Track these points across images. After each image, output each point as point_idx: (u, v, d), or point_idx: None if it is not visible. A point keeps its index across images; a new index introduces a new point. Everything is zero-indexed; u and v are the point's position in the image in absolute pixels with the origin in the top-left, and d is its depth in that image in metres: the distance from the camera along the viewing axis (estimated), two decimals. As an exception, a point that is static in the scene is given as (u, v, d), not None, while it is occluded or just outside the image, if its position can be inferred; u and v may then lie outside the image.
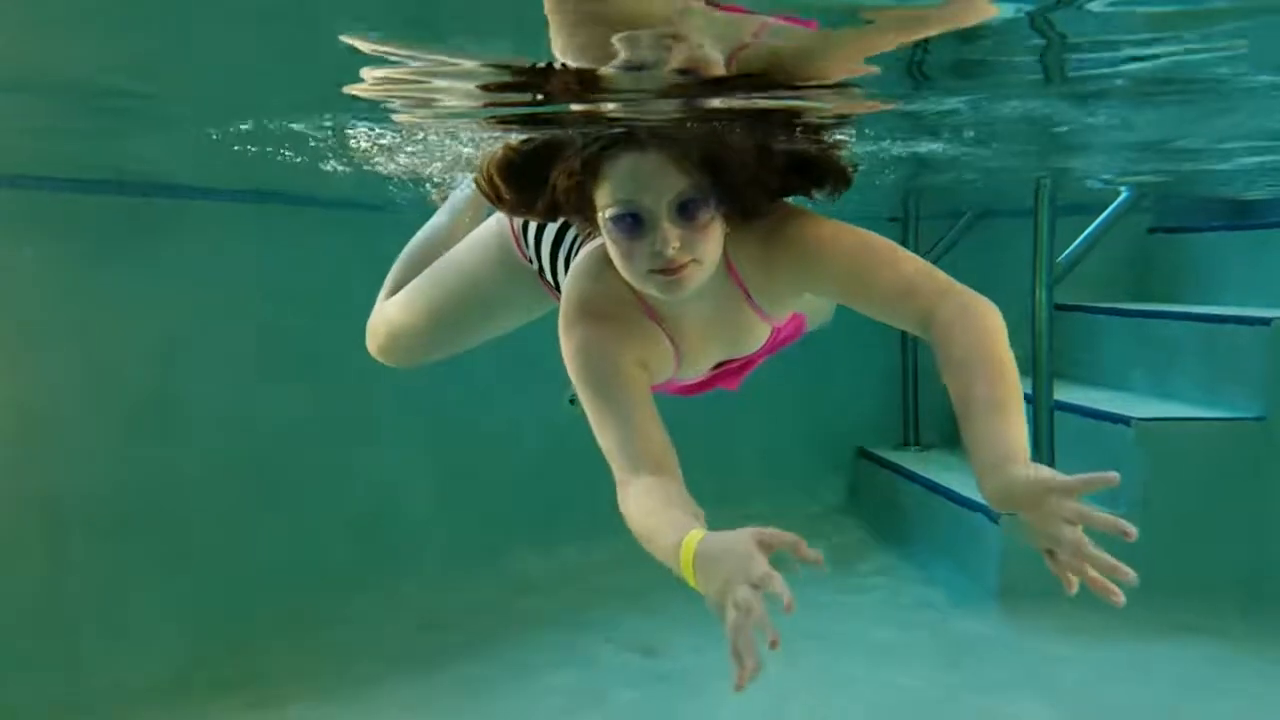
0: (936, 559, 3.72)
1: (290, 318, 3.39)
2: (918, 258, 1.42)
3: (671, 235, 1.31)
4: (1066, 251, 3.46)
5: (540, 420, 3.44)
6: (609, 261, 1.41)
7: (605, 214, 1.34)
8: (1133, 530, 1.12)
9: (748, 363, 1.68)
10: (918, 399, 4.49)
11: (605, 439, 1.35)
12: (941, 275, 1.38)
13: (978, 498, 3.45)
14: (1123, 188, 3.53)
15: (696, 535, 1.12)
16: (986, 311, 1.33)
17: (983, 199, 3.89)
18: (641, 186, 1.31)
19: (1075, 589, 1.19)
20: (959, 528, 3.58)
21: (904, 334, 4.54)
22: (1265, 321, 3.21)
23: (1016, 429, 1.24)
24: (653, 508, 1.23)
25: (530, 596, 3.61)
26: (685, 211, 1.31)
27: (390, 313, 1.90)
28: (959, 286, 1.36)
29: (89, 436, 3.03)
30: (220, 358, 3.29)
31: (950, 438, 4.39)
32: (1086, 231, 3.50)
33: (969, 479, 4.16)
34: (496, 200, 1.46)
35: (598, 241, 1.48)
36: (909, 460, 4.24)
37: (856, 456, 4.58)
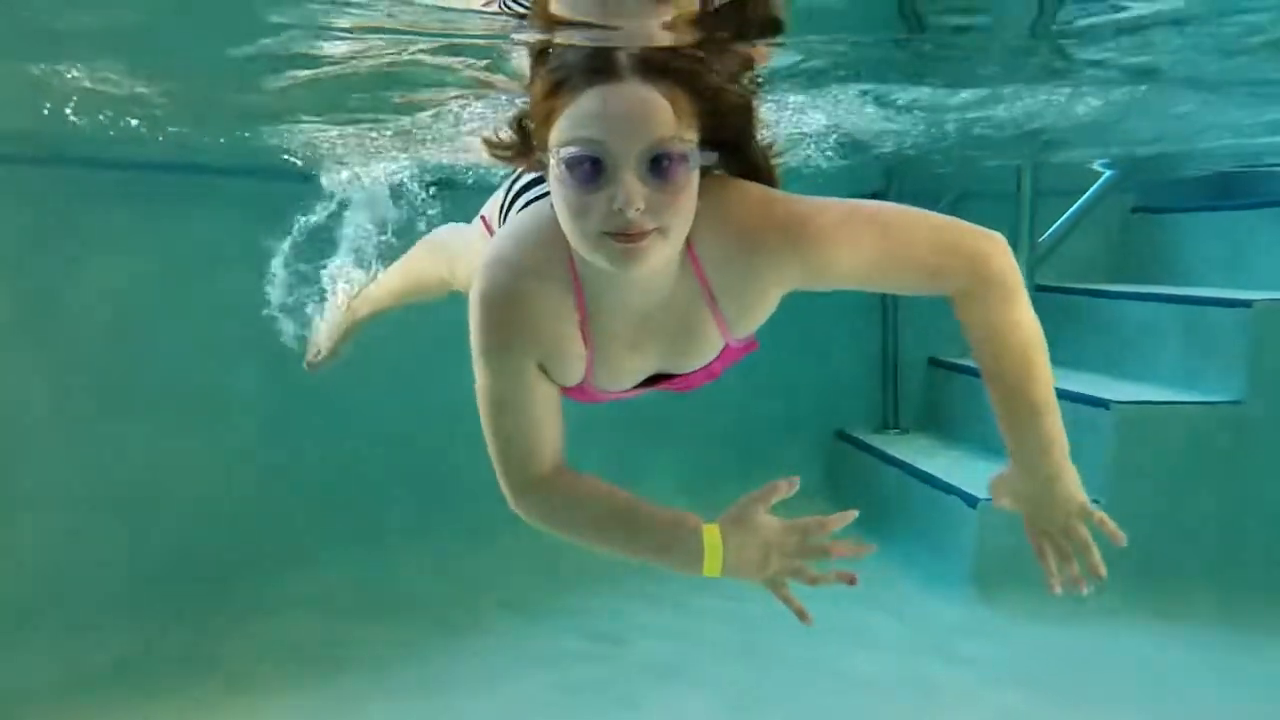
0: (913, 543, 3.70)
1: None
2: (929, 216, 1.22)
3: (636, 192, 1.04)
4: (1048, 233, 3.42)
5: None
6: (550, 223, 1.14)
7: (558, 154, 1.07)
8: (1123, 536, 1.32)
9: (683, 385, 1.36)
10: (898, 381, 4.45)
11: (496, 444, 1.24)
12: (963, 241, 1.21)
13: (955, 481, 3.48)
14: (1104, 168, 3.49)
15: (714, 529, 1.25)
16: (1015, 290, 1.23)
17: (964, 180, 3.84)
18: (609, 125, 1.04)
19: (1059, 589, 1.32)
20: (935, 512, 3.55)
21: (884, 314, 4.50)
22: (1246, 304, 3.19)
23: (1057, 433, 1.29)
24: (614, 505, 1.28)
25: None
26: (659, 165, 1.05)
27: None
28: (982, 250, 1.21)
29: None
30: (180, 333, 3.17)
31: (928, 421, 4.37)
32: (1069, 212, 3.46)
33: (947, 463, 4.13)
34: (495, 147, 1.21)
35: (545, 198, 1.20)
36: (887, 444, 4.20)
37: (834, 439, 4.54)
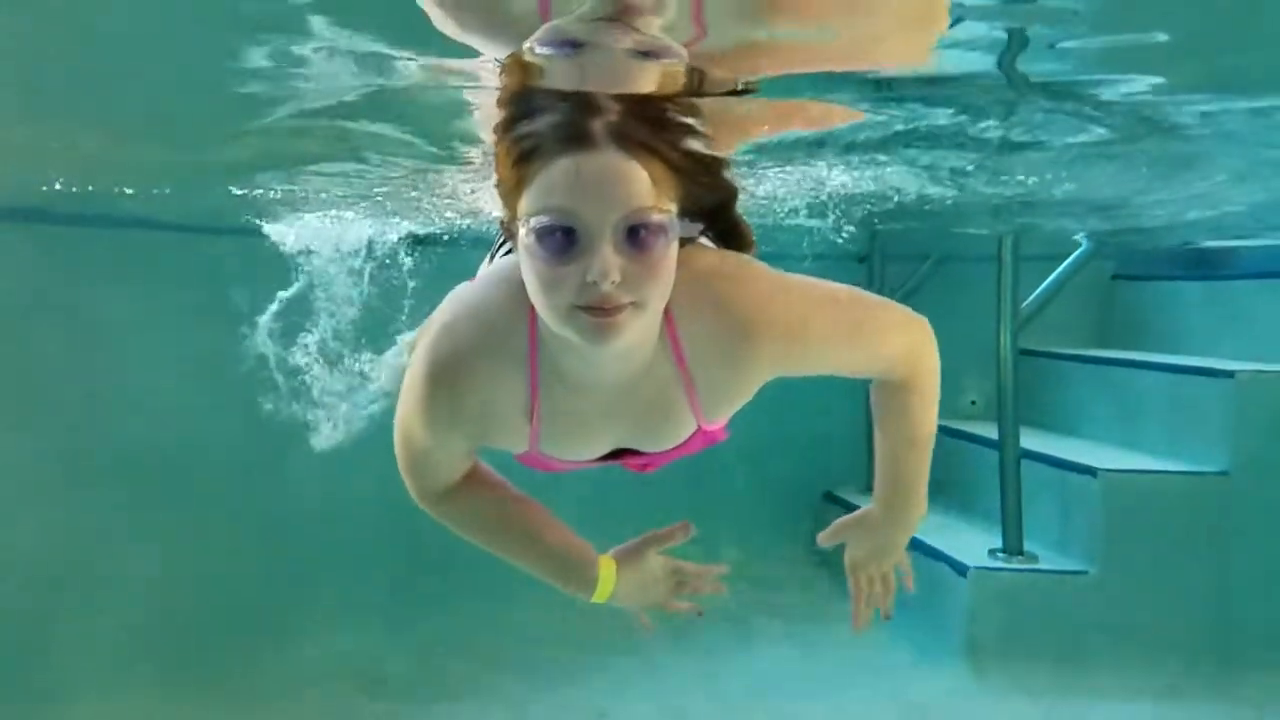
0: (901, 610, 3.61)
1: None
2: (889, 308, 1.26)
3: (612, 264, 0.98)
4: (1031, 297, 3.45)
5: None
6: (516, 286, 1.07)
7: (529, 223, 1.01)
8: (911, 582, 1.57)
9: (645, 464, 1.32)
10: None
11: (401, 464, 1.27)
12: (916, 338, 1.28)
13: (943, 548, 3.42)
14: (1082, 238, 3.55)
15: (610, 564, 1.37)
16: (935, 384, 1.35)
17: (948, 242, 3.90)
18: (583, 193, 0.98)
19: (859, 627, 1.54)
20: (924, 579, 3.47)
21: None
22: (1228, 374, 3.20)
23: (924, 494, 1.45)
24: (518, 525, 1.34)
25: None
26: (636, 236, 0.99)
27: None
28: (929, 350, 1.30)
29: None
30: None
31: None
32: (1049, 279, 3.50)
33: (934, 527, 4.08)
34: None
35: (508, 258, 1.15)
36: (875, 507, 4.15)
37: (823, 500, 4.49)
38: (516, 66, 1.12)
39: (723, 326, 1.12)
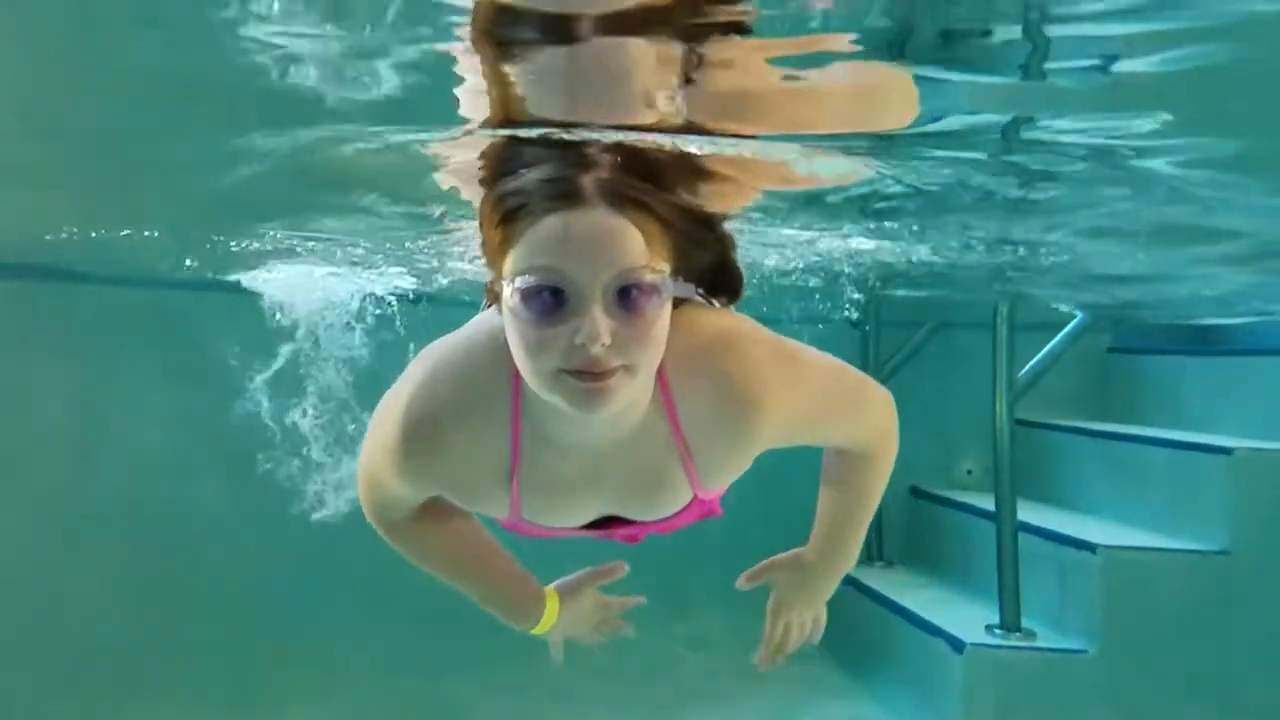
0: (896, 687, 3.52)
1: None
2: (868, 385, 1.28)
3: (602, 326, 0.93)
4: (1027, 367, 3.45)
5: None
6: (502, 341, 1.01)
7: (514, 283, 0.96)
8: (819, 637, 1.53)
9: (634, 534, 1.29)
10: (880, 511, 4.35)
11: (360, 495, 1.26)
12: (886, 413, 1.29)
13: (940, 622, 3.34)
14: (1077, 310, 3.57)
15: (554, 599, 1.41)
16: (895, 454, 1.36)
17: (943, 310, 3.91)
18: (572, 251, 0.94)
19: (763, 665, 1.50)
20: (920, 654, 3.39)
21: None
22: (1226, 451, 3.18)
23: (858, 551, 1.47)
24: (467, 561, 1.35)
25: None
26: (627, 297, 0.95)
27: None
28: (895, 424, 1.31)
29: None
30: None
31: (912, 553, 4.25)
32: (1044, 350, 3.50)
33: (931, 601, 4.00)
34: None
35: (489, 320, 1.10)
36: (871, 577, 4.07)
37: (815, 570, 4.40)
38: (500, 105, 1.08)
39: (723, 395, 1.07)
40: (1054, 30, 0.94)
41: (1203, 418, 3.70)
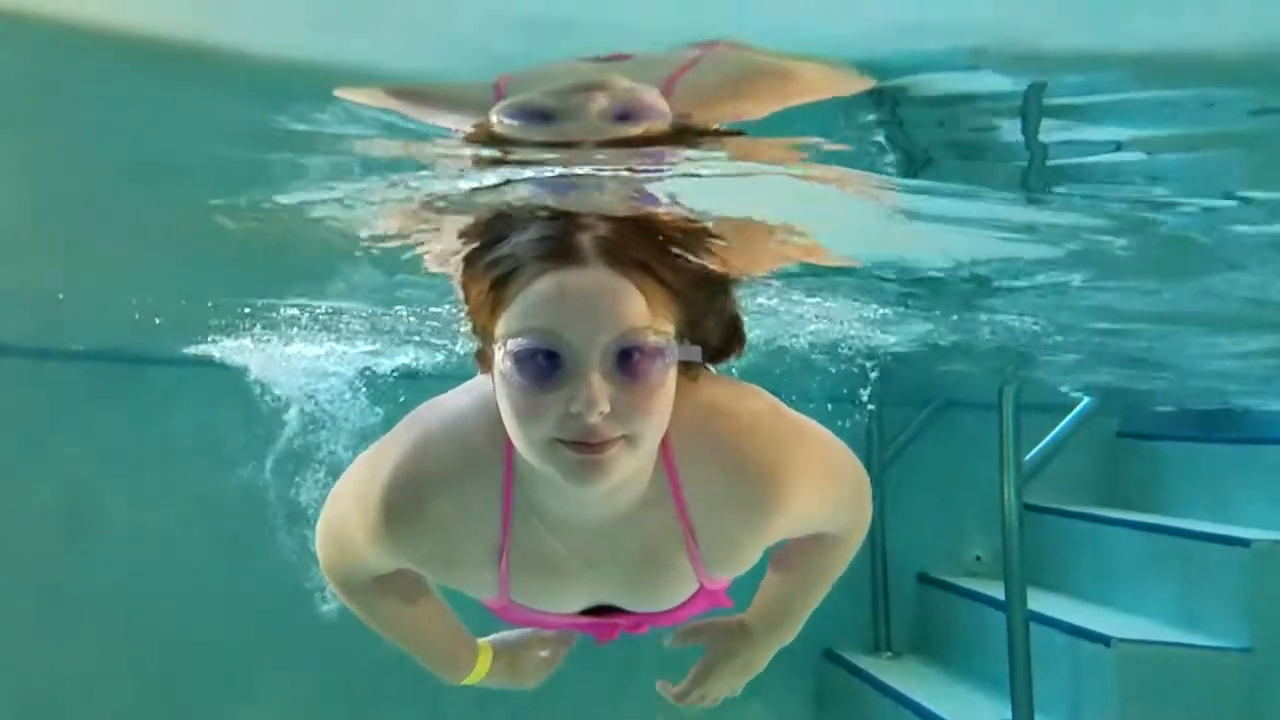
0: (906, 786, 3.34)
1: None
2: (859, 464, 1.23)
3: (600, 392, 0.87)
4: (1035, 450, 3.39)
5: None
6: (490, 408, 0.95)
7: (506, 346, 0.90)
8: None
9: (635, 625, 1.21)
10: (888, 597, 4.23)
11: (318, 552, 1.21)
12: (870, 494, 1.25)
13: (950, 716, 3.19)
14: (1083, 395, 3.53)
15: (486, 656, 1.36)
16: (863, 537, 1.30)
17: (947, 388, 3.89)
18: (568, 312, 0.88)
19: (669, 694, 1.37)
20: (930, 750, 3.23)
21: (871, 529, 4.35)
22: (1244, 543, 3.08)
23: (799, 628, 1.38)
24: (409, 624, 1.29)
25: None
26: (628, 361, 0.88)
27: None
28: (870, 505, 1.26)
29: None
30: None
31: (921, 643, 4.11)
32: (1052, 433, 3.45)
33: (941, 693, 3.84)
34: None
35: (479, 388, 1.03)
36: (879, 668, 3.92)
37: (823, 658, 4.25)
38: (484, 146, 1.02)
39: (735, 476, 1.00)
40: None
41: (1217, 506, 3.61)
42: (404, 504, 1.01)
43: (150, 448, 3.18)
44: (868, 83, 0.83)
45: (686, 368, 0.98)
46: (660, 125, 0.89)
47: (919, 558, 4.17)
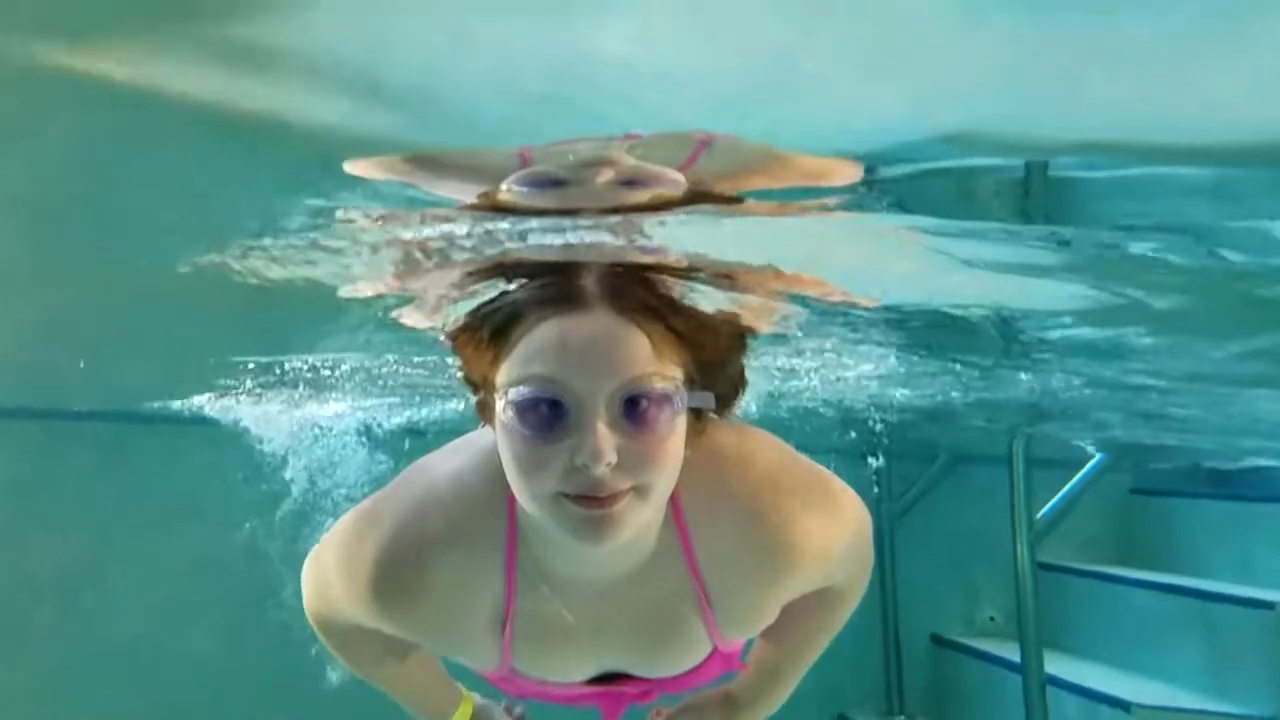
0: None
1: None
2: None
3: (606, 442, 0.82)
4: (1047, 507, 3.34)
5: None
6: (492, 464, 0.91)
7: (507, 395, 0.86)
8: None
9: (645, 692, 1.16)
10: (900, 659, 4.12)
11: (315, 620, 1.17)
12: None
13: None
14: (1096, 451, 3.49)
15: (469, 704, 1.33)
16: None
17: (958, 441, 3.84)
18: (571, 358, 0.84)
19: None
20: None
21: (883, 585, 4.28)
22: (1269, 605, 2.99)
23: (785, 697, 1.30)
24: (389, 672, 1.24)
25: None
26: (635, 408, 0.84)
27: None
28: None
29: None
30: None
31: (934, 706, 3.99)
32: (1064, 490, 3.40)
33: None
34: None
35: (482, 440, 0.99)
36: (891, 734, 3.81)
37: (835, 723, 4.13)
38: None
39: (751, 531, 0.95)
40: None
41: (1239, 566, 3.52)
42: (398, 579, 0.95)
43: (150, 509, 3.15)
44: (860, 173, 0.85)
45: (694, 415, 0.94)
46: (672, 191, 0.88)
47: (931, 618, 4.07)
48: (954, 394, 2.39)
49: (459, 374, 0.99)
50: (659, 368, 0.86)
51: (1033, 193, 0.91)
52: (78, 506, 3.08)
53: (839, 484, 1.07)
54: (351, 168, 0.87)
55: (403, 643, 1.17)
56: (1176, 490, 4.09)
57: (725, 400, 1.01)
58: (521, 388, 0.85)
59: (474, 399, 0.97)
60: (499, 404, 0.87)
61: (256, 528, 3.03)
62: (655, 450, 0.85)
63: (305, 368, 2.06)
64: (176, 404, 2.73)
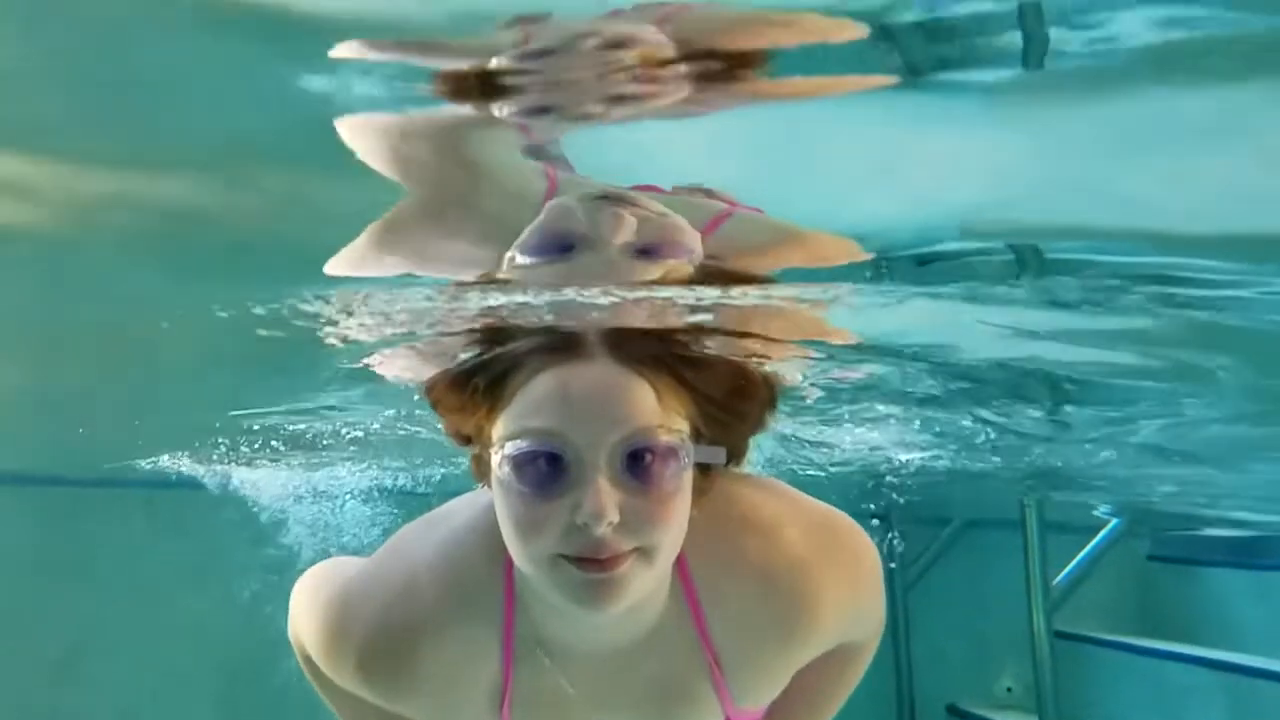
0: None
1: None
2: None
3: (608, 500, 0.78)
4: (1063, 574, 3.26)
5: None
6: (488, 527, 0.87)
7: (503, 449, 0.81)
8: None
9: None
10: (914, 731, 3.99)
11: (305, 666, 1.08)
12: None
13: None
14: (1112, 515, 3.43)
15: None
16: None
17: (972, 505, 3.78)
18: (571, 410, 0.80)
19: None
20: None
21: (896, 653, 4.16)
22: (1297, 678, 2.90)
23: None
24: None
25: None
26: (639, 463, 0.79)
27: None
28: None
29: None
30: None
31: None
32: (1079, 556, 3.33)
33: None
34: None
35: (478, 501, 0.95)
36: (906, 808, 3.65)
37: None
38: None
39: (763, 590, 0.89)
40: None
41: (1259, 638, 3.42)
42: (388, 659, 0.90)
43: (150, 576, 3.12)
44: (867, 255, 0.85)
45: (700, 471, 0.88)
46: (684, 266, 0.84)
47: (947, 688, 3.95)
48: (970, 456, 2.35)
49: (442, 429, 0.94)
50: (665, 419, 0.81)
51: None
52: (76, 574, 3.04)
53: (850, 527, 1.00)
54: (332, 267, 0.85)
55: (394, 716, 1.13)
56: (1193, 557, 4.00)
57: (736, 454, 0.95)
58: (519, 441, 0.80)
59: (470, 455, 0.93)
60: (495, 458, 0.83)
61: (259, 594, 2.98)
62: (660, 508, 0.80)
63: (308, 432, 2.06)
64: (172, 467, 2.72)
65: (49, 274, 1.07)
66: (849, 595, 0.96)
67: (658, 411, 0.81)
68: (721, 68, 0.65)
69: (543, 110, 0.70)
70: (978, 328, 1.13)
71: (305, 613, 0.99)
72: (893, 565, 3.76)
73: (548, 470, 0.79)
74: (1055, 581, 3.39)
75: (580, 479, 0.79)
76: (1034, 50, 0.61)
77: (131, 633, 3.05)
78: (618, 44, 0.71)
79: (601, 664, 0.92)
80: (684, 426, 0.83)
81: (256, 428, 2.03)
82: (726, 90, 0.68)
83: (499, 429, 0.83)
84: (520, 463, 0.80)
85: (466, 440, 0.91)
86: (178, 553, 3.14)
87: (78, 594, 3.02)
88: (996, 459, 2.35)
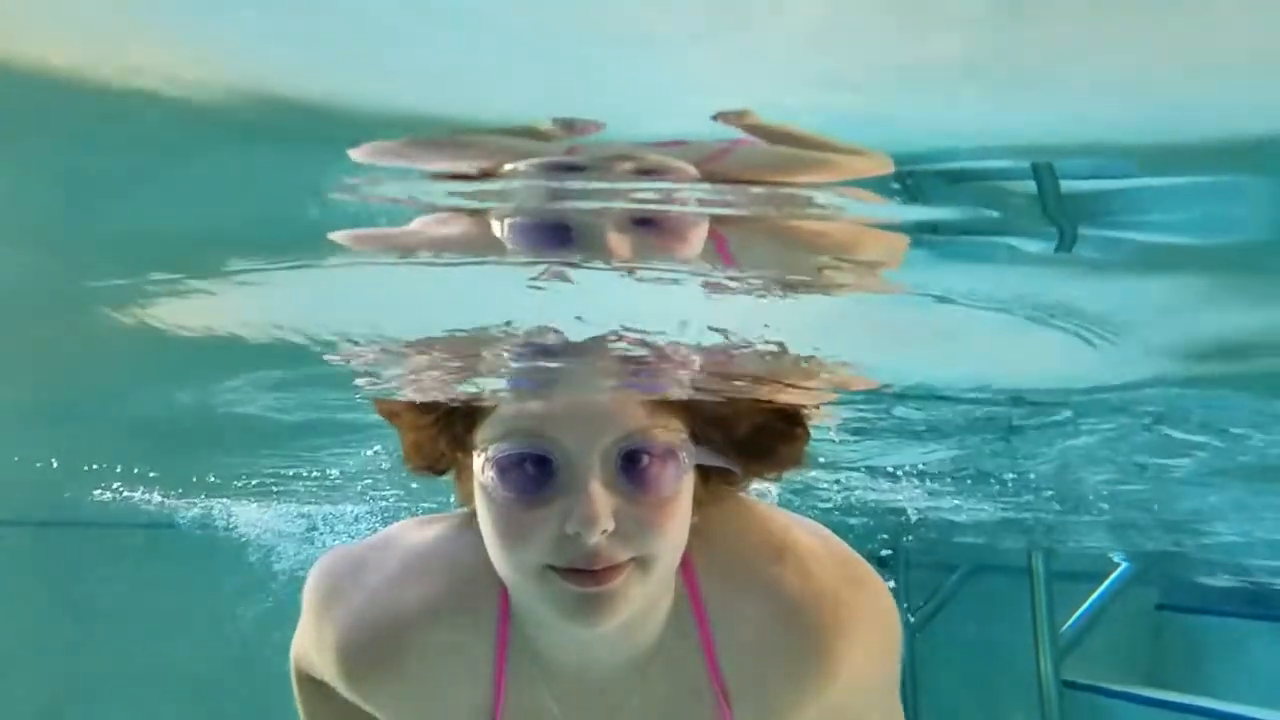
0: None
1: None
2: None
3: (602, 506, 0.72)
4: (1071, 621, 3.22)
5: None
6: (477, 536, 0.80)
7: (488, 453, 0.75)
8: None
9: None
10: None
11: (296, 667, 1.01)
12: None
13: None
14: (1121, 560, 3.39)
15: None
16: None
17: (978, 550, 3.75)
18: (561, 412, 0.74)
19: None
20: None
21: (905, 703, 4.06)
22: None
23: None
24: None
25: None
26: (634, 465, 0.74)
27: None
28: None
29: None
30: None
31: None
32: (1087, 604, 3.29)
33: None
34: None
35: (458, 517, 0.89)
36: None
37: None
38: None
39: (780, 616, 0.82)
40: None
41: (1274, 689, 3.35)
42: (374, 648, 0.84)
43: (139, 617, 3.08)
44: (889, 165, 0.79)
45: (702, 477, 0.81)
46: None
47: (956, 740, 3.88)
48: (982, 501, 2.34)
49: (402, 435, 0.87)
50: (661, 420, 0.76)
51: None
52: (62, 614, 3.00)
53: (874, 577, 0.92)
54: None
55: None
56: (1204, 607, 3.94)
57: (754, 463, 0.87)
58: (503, 444, 0.74)
59: (453, 478, 0.86)
60: (478, 463, 0.76)
61: (252, 636, 2.95)
62: (658, 515, 0.74)
63: (304, 474, 2.05)
64: (167, 508, 2.70)
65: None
66: (877, 640, 0.88)
67: (652, 411, 0.76)
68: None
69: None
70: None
71: (303, 623, 0.96)
72: (905, 607, 3.72)
73: (535, 474, 0.73)
74: (1063, 629, 3.35)
75: (571, 484, 0.73)
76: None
77: (119, 679, 2.99)
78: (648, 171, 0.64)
79: (597, 685, 0.85)
80: (681, 426, 0.78)
81: (249, 471, 2.02)
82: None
83: (483, 432, 0.78)
84: (505, 467, 0.74)
85: (428, 466, 0.85)
86: (168, 594, 3.11)
87: (63, 637, 2.97)
88: (1006, 503, 2.34)
